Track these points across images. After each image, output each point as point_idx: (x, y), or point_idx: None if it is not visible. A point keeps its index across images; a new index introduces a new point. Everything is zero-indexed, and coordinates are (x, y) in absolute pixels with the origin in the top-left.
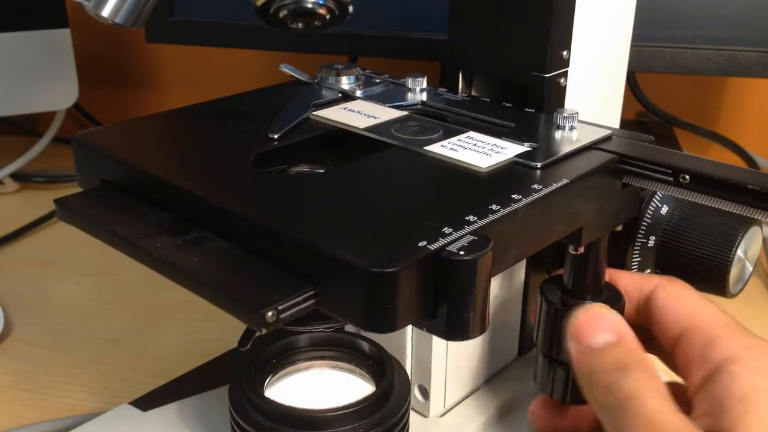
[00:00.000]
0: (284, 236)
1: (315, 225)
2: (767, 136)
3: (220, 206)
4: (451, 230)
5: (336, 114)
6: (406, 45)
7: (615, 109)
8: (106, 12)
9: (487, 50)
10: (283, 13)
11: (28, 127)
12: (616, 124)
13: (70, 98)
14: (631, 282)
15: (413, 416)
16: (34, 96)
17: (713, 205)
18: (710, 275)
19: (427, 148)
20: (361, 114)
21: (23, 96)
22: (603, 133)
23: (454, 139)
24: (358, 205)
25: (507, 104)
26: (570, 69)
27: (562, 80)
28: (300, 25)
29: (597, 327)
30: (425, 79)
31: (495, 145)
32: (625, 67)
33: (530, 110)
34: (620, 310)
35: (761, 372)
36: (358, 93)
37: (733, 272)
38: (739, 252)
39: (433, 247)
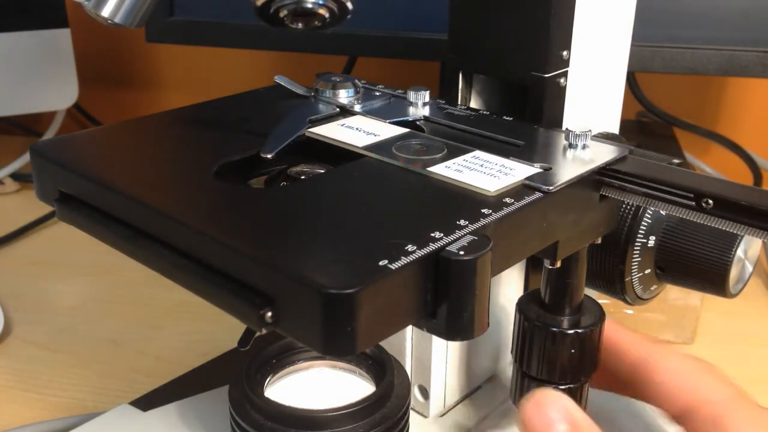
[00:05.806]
0: (239, 251)
1: (272, 240)
2: (767, 136)
3: (175, 219)
4: (415, 248)
5: (333, 131)
6: (406, 45)
7: (615, 109)
8: (105, 12)
9: (487, 50)
10: (283, 13)
11: (28, 127)
12: (617, 124)
13: (70, 98)
14: (628, 341)
15: (413, 416)
16: (34, 96)
17: (697, 220)
18: (710, 275)
19: (430, 168)
20: (360, 131)
21: (23, 96)
22: (619, 152)
23: (459, 159)
24: (323, 220)
25: (511, 119)
26: (570, 69)
27: (562, 80)
28: (300, 25)
29: (549, 419)
30: (428, 92)
31: (503, 166)
32: (625, 67)
33: (537, 126)
34: (600, 329)
35: None
36: (357, 107)
37: (733, 272)
38: (739, 252)
39: (394, 266)
